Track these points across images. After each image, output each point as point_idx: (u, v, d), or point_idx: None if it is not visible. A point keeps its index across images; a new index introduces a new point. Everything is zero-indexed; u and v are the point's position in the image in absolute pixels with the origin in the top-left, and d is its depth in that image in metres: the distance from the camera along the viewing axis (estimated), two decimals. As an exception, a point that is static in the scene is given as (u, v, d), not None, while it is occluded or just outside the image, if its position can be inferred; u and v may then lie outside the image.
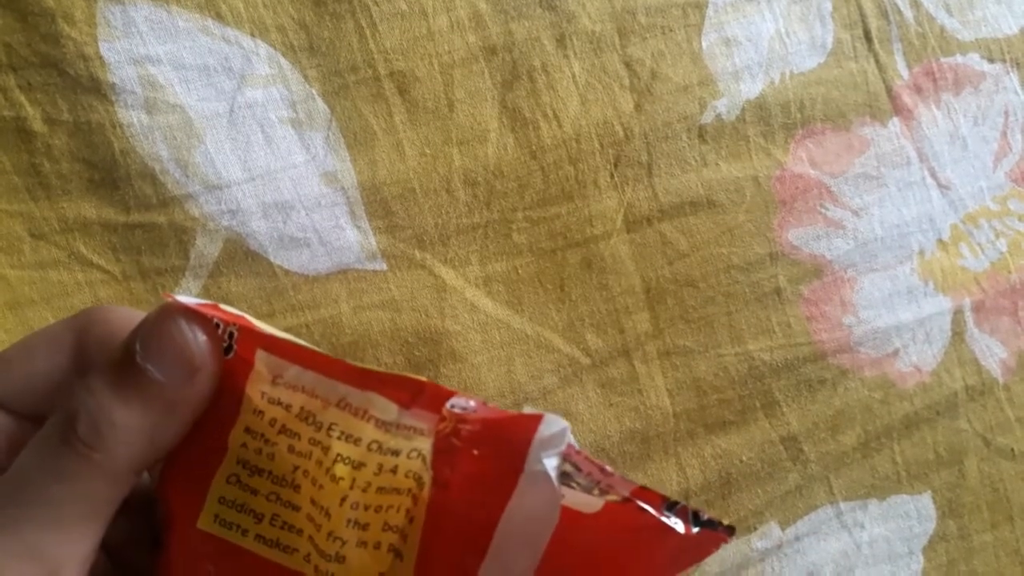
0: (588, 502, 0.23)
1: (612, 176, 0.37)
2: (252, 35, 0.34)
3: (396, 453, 0.22)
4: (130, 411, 0.20)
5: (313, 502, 0.22)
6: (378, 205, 0.35)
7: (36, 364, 0.22)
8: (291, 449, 0.22)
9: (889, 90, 0.41)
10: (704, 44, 0.38)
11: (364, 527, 0.22)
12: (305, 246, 0.35)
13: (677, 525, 0.22)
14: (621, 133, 0.37)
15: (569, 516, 0.22)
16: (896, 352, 0.40)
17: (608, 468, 0.22)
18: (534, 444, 0.21)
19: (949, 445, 0.40)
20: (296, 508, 0.22)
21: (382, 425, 0.22)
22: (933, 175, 0.41)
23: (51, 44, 0.32)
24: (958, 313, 0.40)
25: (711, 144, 0.38)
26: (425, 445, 0.22)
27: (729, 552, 0.38)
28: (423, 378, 0.22)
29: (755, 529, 0.38)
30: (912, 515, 0.40)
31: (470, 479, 0.21)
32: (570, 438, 0.21)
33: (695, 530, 0.22)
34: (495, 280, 0.36)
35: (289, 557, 0.23)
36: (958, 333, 0.40)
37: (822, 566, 0.39)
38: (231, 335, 0.22)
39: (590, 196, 0.37)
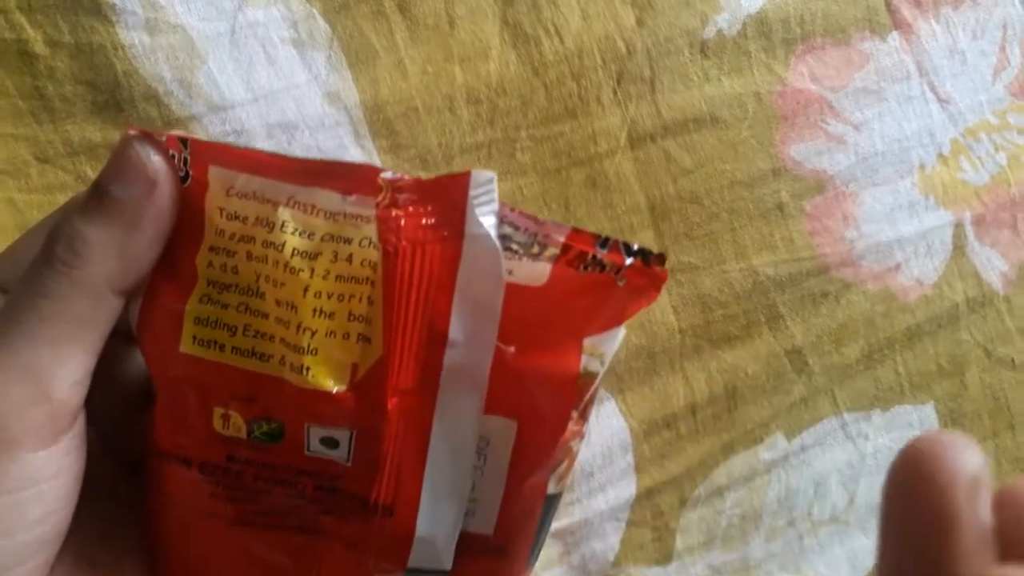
0: (534, 272, 0.24)
1: (615, 93, 0.37)
2: (251, -47, 0.34)
3: (348, 241, 0.23)
4: (99, 228, 0.22)
5: (278, 303, 0.23)
6: (381, 125, 0.35)
7: (36, 250, 0.23)
8: (250, 256, 0.23)
9: (888, 4, 0.40)
10: (704, -41, 0.38)
11: (330, 316, 0.23)
12: (310, 167, 0.35)
13: (612, 263, 0.24)
14: (623, 48, 0.37)
15: (520, 292, 0.24)
16: (898, 265, 0.40)
17: (541, 218, 0.24)
18: (469, 200, 0.23)
19: (951, 356, 0.41)
20: (264, 315, 0.23)
21: (330, 216, 0.23)
22: (933, 89, 0.41)
23: (50, -38, 0.32)
24: (959, 226, 0.41)
25: (713, 60, 0.38)
26: (373, 231, 0.23)
27: (737, 464, 0.39)
28: (356, 161, 0.23)
29: (762, 440, 0.39)
30: (915, 425, 0.41)
31: (416, 243, 0.23)
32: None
33: (629, 261, 0.24)
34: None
35: (266, 365, 0.24)
36: (959, 246, 0.41)
37: (828, 476, 0.40)
38: (186, 161, 0.23)
39: (593, 113, 0.37)
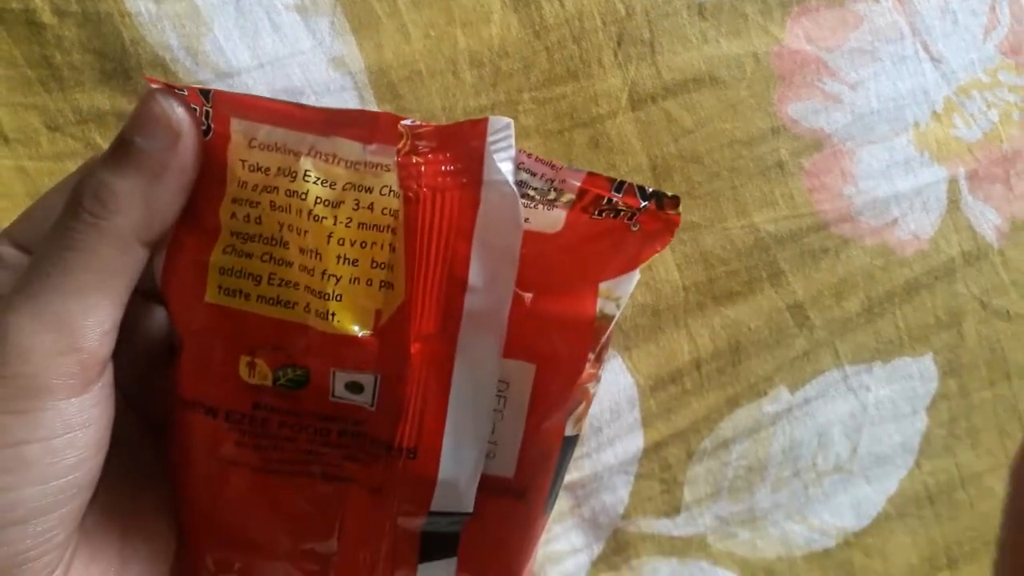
0: (549, 219, 0.25)
1: (616, 55, 0.37)
2: (255, -80, 0.34)
3: (369, 190, 0.24)
4: (125, 179, 0.23)
5: (302, 251, 0.24)
6: (386, 89, 0.36)
7: (55, 211, 0.23)
8: (273, 206, 0.24)
9: (881, -36, 0.41)
10: (700, -79, 0.39)
11: (354, 263, 0.24)
12: (318, 131, 0.35)
13: (627, 206, 0.25)
14: (623, 10, 0.37)
15: (536, 239, 0.25)
16: (895, 221, 0.41)
17: (557, 163, 0.25)
18: (487, 147, 0.23)
19: (948, 308, 0.41)
20: (288, 264, 0.24)
21: (351, 165, 0.24)
22: (926, 48, 0.41)
23: (57, -70, 0.32)
24: (953, 182, 0.41)
25: (711, 21, 0.38)
26: (393, 180, 0.24)
27: (741, 417, 0.40)
28: (376, 110, 0.24)
29: (765, 394, 0.40)
30: (915, 376, 0.41)
31: (436, 189, 0.24)
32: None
33: (643, 204, 0.24)
34: (504, 163, 0.37)
35: (291, 312, 0.24)
36: (953, 201, 0.41)
37: (830, 427, 0.41)
38: (207, 114, 0.23)
39: (595, 75, 0.37)
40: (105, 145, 0.33)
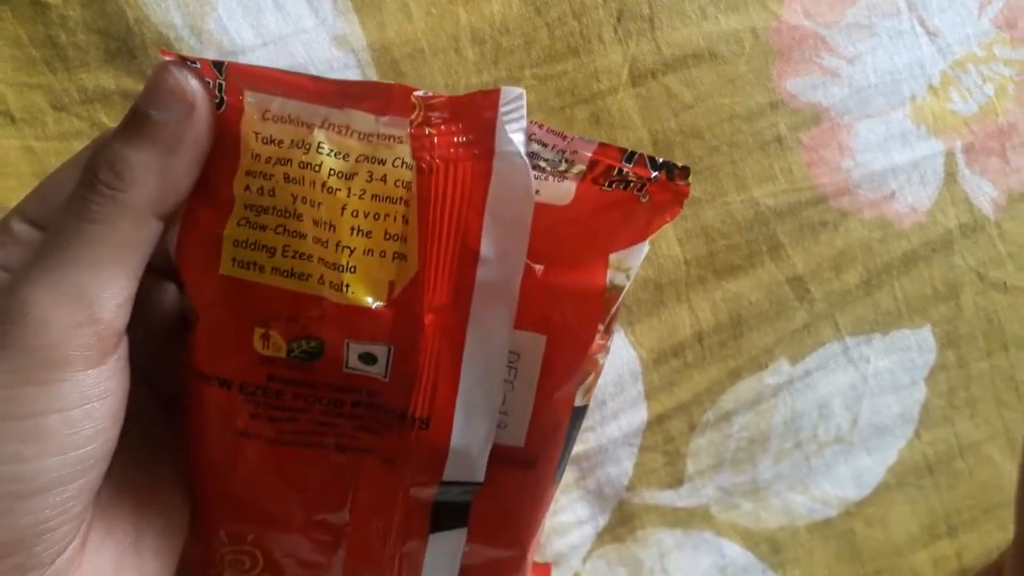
0: (559, 191, 0.25)
1: (616, 30, 0.38)
2: (256, -102, 0.34)
3: (382, 162, 0.24)
4: (140, 151, 0.23)
5: (316, 223, 0.24)
6: (388, 67, 0.36)
7: (66, 188, 0.24)
8: (287, 178, 0.24)
9: (878, -61, 0.41)
10: None
11: (368, 234, 0.24)
12: (321, 110, 0.35)
13: (637, 176, 0.25)
14: (623, -14, 0.37)
15: (547, 211, 0.25)
16: (893, 193, 0.41)
17: (569, 134, 0.25)
18: (499, 117, 0.23)
19: (946, 280, 0.42)
20: (302, 236, 0.24)
21: (364, 137, 0.24)
22: (922, 23, 0.42)
23: (61, -91, 0.32)
24: (950, 155, 0.42)
25: (709, -3, 0.39)
26: (406, 152, 0.24)
27: (743, 389, 0.40)
28: (389, 82, 0.24)
29: (767, 366, 0.40)
30: (913, 347, 0.42)
31: (448, 161, 0.24)
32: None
33: (654, 174, 0.25)
34: (506, 140, 0.37)
35: (305, 284, 0.24)
36: (950, 174, 0.42)
37: (831, 399, 0.41)
38: (220, 87, 0.23)
39: (595, 51, 0.37)
40: (111, 125, 0.33)
